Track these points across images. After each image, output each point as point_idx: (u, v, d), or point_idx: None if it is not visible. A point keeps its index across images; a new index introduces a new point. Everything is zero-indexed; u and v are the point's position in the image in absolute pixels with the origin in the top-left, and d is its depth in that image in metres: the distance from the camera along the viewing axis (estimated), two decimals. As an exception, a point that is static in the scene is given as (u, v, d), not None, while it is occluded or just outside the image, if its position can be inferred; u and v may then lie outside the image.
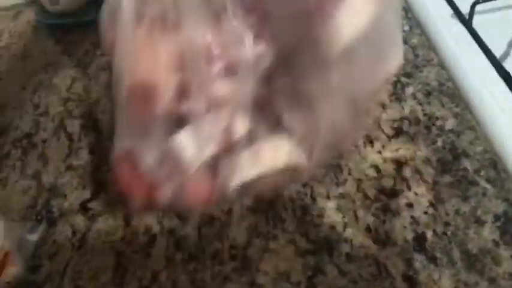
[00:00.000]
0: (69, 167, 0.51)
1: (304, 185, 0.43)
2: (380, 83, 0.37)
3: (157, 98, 0.32)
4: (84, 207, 0.46)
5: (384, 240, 0.39)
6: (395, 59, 0.35)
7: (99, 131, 0.54)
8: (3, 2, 0.81)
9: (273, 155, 0.34)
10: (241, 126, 0.32)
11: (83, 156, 0.52)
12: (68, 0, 0.71)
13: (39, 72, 0.65)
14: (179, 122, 0.32)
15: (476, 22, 0.55)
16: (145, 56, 0.32)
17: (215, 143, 0.32)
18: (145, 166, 0.34)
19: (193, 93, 0.31)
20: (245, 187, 0.34)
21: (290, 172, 0.35)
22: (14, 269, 0.41)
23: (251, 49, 0.31)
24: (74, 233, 0.44)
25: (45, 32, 0.72)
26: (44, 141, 0.54)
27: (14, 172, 0.52)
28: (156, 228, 0.43)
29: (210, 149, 0.32)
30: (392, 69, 0.35)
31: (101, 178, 0.49)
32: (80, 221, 0.45)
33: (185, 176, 0.33)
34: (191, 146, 0.32)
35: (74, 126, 0.55)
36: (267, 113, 0.33)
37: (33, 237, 0.45)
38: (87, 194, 0.48)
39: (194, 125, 0.32)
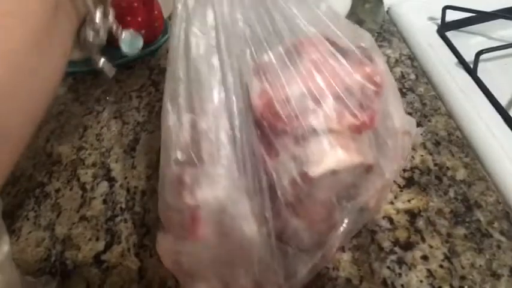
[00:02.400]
0: (82, 218, 0.51)
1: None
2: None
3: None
4: (98, 260, 0.47)
5: (400, 294, 0.39)
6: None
7: (112, 180, 0.54)
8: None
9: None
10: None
11: (96, 207, 0.52)
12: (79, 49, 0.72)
13: (51, 120, 0.66)
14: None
15: (481, 70, 0.56)
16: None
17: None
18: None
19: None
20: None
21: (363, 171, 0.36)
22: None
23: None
24: (88, 286, 0.44)
25: (57, 80, 0.74)
26: (57, 190, 0.55)
27: (27, 223, 0.52)
28: (170, 281, 0.43)
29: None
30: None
31: (114, 229, 0.49)
32: (94, 273, 0.45)
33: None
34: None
35: (86, 175, 0.56)
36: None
37: (48, 291, 0.45)
38: (100, 245, 0.48)
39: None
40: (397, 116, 0.38)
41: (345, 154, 0.34)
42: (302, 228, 0.35)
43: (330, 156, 0.33)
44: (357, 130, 0.34)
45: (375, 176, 0.37)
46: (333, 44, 0.36)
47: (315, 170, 0.33)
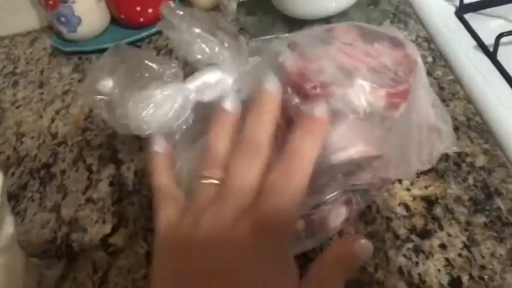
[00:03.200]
0: (89, 200, 0.50)
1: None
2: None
3: None
4: (104, 243, 0.45)
5: (417, 284, 0.37)
6: None
7: (118, 163, 0.53)
8: (19, 28, 0.81)
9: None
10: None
11: (103, 189, 0.51)
12: (85, 27, 0.71)
13: (56, 100, 0.65)
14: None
15: (501, 54, 0.54)
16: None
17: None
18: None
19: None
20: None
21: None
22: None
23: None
24: (95, 270, 0.43)
25: (62, 59, 0.72)
26: (63, 172, 0.54)
27: (32, 204, 0.51)
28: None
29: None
30: None
31: (121, 212, 0.48)
32: (100, 257, 0.44)
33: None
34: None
35: (92, 157, 0.55)
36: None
37: (54, 273, 0.43)
38: (107, 228, 0.47)
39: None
40: (423, 109, 0.37)
41: (364, 146, 0.34)
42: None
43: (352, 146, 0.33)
44: (394, 104, 0.33)
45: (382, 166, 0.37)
46: (364, 31, 0.36)
47: (335, 158, 0.33)
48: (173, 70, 0.39)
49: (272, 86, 0.31)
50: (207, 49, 0.38)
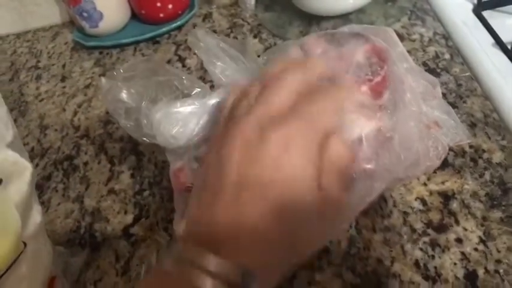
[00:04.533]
0: (111, 191, 0.51)
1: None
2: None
3: None
4: (126, 232, 0.47)
5: (433, 277, 0.38)
6: None
7: (139, 155, 0.54)
8: (41, 23, 0.83)
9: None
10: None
11: (124, 180, 0.52)
12: (106, 23, 0.72)
13: (78, 93, 0.66)
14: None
15: (519, 52, 0.55)
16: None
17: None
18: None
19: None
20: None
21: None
22: (60, 295, 0.41)
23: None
24: (117, 258, 0.45)
25: (83, 53, 0.74)
26: (85, 163, 0.55)
27: (56, 194, 0.52)
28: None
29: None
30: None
31: (142, 203, 0.49)
32: (123, 246, 0.46)
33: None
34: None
35: (114, 149, 0.56)
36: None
37: (78, 261, 0.45)
38: (129, 219, 0.48)
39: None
40: (414, 97, 0.38)
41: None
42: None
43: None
44: (378, 94, 0.35)
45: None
46: (328, 37, 0.38)
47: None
48: (200, 88, 0.41)
49: None
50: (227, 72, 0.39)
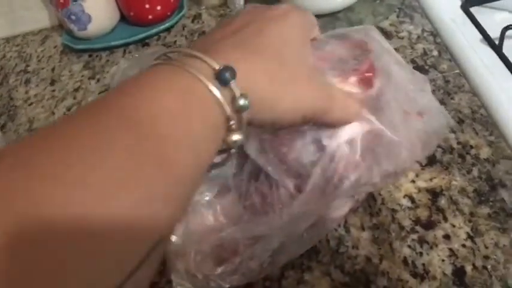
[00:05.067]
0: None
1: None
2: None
3: None
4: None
5: (422, 274, 0.38)
6: None
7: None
8: (30, 27, 0.82)
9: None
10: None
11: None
12: (95, 25, 0.72)
13: (67, 97, 0.66)
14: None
15: (507, 46, 0.55)
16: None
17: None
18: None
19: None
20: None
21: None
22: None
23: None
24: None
25: (72, 57, 0.74)
26: (75, 167, 0.55)
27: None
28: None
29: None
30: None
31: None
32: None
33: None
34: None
35: (103, 152, 0.56)
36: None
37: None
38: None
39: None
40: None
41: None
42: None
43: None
44: (367, 83, 0.35)
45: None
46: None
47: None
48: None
49: None
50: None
